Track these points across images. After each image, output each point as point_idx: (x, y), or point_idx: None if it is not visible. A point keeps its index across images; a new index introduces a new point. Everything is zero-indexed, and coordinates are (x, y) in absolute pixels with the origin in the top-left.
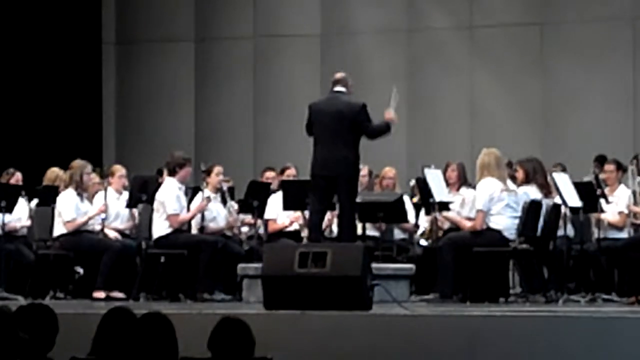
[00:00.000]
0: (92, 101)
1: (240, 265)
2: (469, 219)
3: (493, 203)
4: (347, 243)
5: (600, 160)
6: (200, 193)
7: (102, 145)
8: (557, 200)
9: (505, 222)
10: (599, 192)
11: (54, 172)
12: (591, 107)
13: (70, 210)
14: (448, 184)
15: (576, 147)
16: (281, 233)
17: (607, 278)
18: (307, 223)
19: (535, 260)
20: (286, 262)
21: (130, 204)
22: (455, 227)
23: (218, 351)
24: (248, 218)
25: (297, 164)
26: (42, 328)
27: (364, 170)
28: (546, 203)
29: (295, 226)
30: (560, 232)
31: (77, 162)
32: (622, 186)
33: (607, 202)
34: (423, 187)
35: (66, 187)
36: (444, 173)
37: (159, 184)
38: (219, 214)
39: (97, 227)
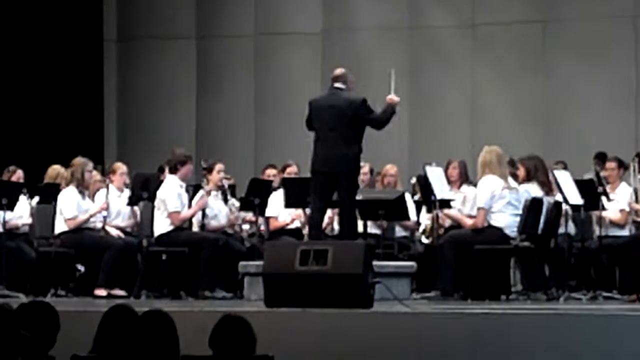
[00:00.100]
0: (94, 99)
1: (242, 263)
2: (470, 216)
3: (494, 201)
4: (348, 241)
5: (601, 158)
6: (201, 190)
7: (104, 142)
8: (559, 197)
9: (506, 219)
10: (600, 189)
11: (55, 169)
12: (593, 105)
13: (71, 207)
14: (449, 182)
15: (577, 144)
16: (282, 231)
17: (609, 276)
18: (307, 220)
19: (537, 257)
20: (287, 260)
21: (132, 202)
22: (457, 224)
23: (219, 349)
24: (249, 216)
25: (298, 161)
26: (43, 326)
27: (365, 168)
28: (547, 201)
29: (296, 224)
30: (561, 230)
31: (79, 160)
32: (623, 184)
33: (609, 199)
34: (424, 185)
35: (67, 184)
36: (445, 171)
37: (160, 182)
38: (220, 212)
39: (99, 225)
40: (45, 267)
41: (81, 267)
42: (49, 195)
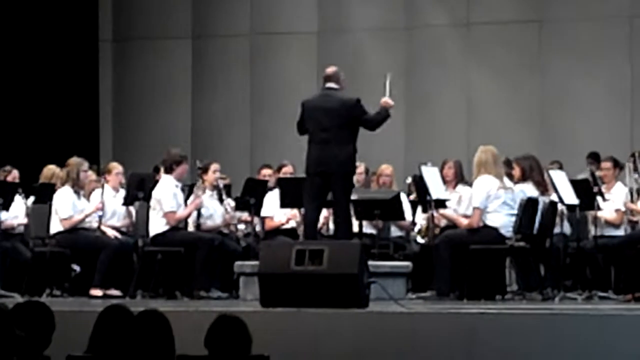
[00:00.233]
0: (89, 99)
1: (237, 263)
2: (466, 216)
3: (490, 200)
4: (343, 241)
5: (594, 157)
6: (195, 190)
7: (99, 142)
8: (554, 197)
9: (501, 219)
10: (595, 189)
11: (51, 169)
12: (588, 105)
13: (67, 207)
14: (445, 182)
15: (573, 144)
16: (278, 230)
17: (604, 275)
18: (302, 220)
19: (532, 257)
20: (283, 260)
21: (127, 202)
22: (452, 224)
23: (215, 349)
24: (245, 215)
25: (294, 161)
26: (39, 326)
27: (360, 168)
28: (543, 200)
29: (292, 224)
30: (556, 230)
31: (74, 160)
32: (618, 184)
33: (604, 199)
34: (420, 185)
35: (63, 184)
36: (441, 170)
37: (156, 182)
38: (215, 212)
39: (94, 225)
40: (40, 267)
41: (77, 267)
42: (44, 195)
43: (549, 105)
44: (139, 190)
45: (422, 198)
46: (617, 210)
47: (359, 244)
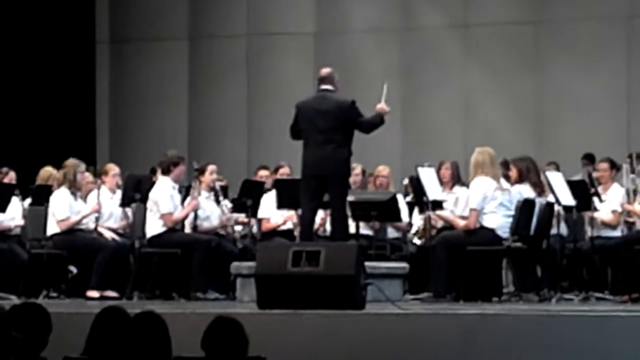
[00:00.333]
0: (86, 100)
1: (234, 264)
2: (463, 217)
3: (486, 202)
4: (340, 242)
5: (589, 158)
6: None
7: (96, 144)
8: (551, 198)
9: (498, 220)
10: (592, 190)
11: (48, 171)
12: (586, 106)
13: (63, 209)
14: (442, 183)
15: (570, 146)
16: (275, 232)
17: (601, 277)
18: (299, 221)
19: (529, 259)
20: (280, 261)
21: (124, 203)
22: (449, 225)
23: (211, 350)
24: (241, 217)
25: (291, 162)
26: (35, 327)
27: (357, 169)
28: (539, 202)
29: (288, 225)
30: (553, 231)
31: (71, 161)
32: (615, 184)
33: (601, 200)
34: (417, 186)
35: (59, 186)
36: (438, 172)
37: (153, 183)
38: (212, 213)
39: (91, 226)
40: (37, 269)
41: (73, 269)
42: (41, 196)
43: (546, 107)
44: (135, 192)
45: (419, 199)
46: (613, 211)
47: (355, 245)
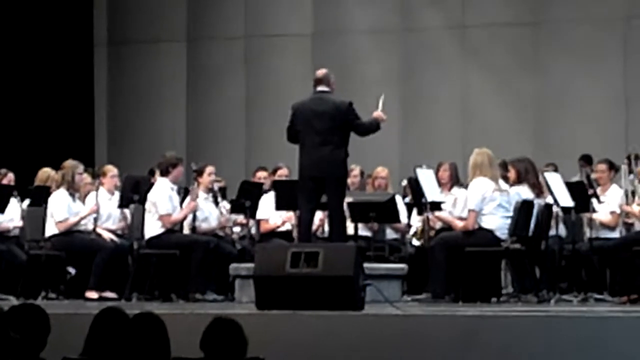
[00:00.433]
0: (84, 102)
1: (233, 266)
2: (461, 218)
3: (485, 203)
4: (339, 243)
5: (586, 160)
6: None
7: (94, 145)
8: (549, 200)
9: (497, 222)
10: (590, 191)
11: (46, 172)
12: (584, 107)
13: (62, 210)
14: (440, 184)
15: (568, 147)
16: (273, 233)
17: (599, 278)
18: (297, 222)
19: (527, 260)
20: (278, 262)
21: (122, 204)
22: (448, 227)
23: (210, 351)
24: (240, 218)
25: (289, 164)
26: (34, 328)
27: (355, 170)
28: (538, 203)
29: (287, 226)
30: (552, 232)
31: (69, 162)
32: (614, 186)
33: (599, 201)
34: (415, 187)
35: (58, 187)
36: (436, 173)
37: (151, 184)
38: (210, 214)
39: (90, 227)
40: (36, 270)
41: (72, 270)
42: (39, 197)
43: (544, 108)
44: (134, 193)
45: (418, 200)
46: (612, 213)
47: (354, 246)
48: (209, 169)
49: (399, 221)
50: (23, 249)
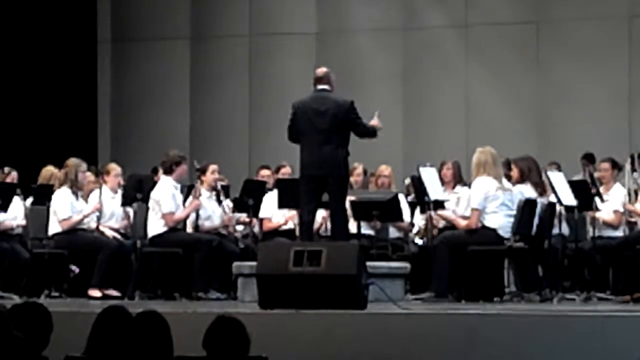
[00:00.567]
0: (88, 99)
1: (235, 264)
2: (464, 217)
3: (488, 201)
4: (342, 242)
5: (588, 158)
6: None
7: (98, 143)
8: (552, 198)
9: (500, 220)
10: (593, 190)
11: (49, 170)
12: (587, 106)
13: (65, 208)
14: (443, 183)
15: (571, 145)
16: (276, 232)
17: (602, 277)
18: (299, 221)
19: (530, 258)
20: (281, 261)
21: (125, 203)
22: (451, 225)
23: (213, 350)
24: (243, 217)
25: (293, 162)
26: (37, 326)
27: (358, 169)
28: (541, 202)
29: (290, 225)
30: (555, 231)
31: (72, 161)
32: (617, 185)
33: (602, 200)
34: (418, 186)
35: (61, 185)
36: (439, 171)
37: (155, 183)
38: (214, 213)
39: (93, 226)
40: (39, 268)
41: (75, 268)
42: (42, 196)
43: (547, 106)
44: (137, 192)
45: (421, 199)
46: (615, 211)
47: (357, 245)
48: (212, 167)
49: (402, 220)
50: (26, 247)
